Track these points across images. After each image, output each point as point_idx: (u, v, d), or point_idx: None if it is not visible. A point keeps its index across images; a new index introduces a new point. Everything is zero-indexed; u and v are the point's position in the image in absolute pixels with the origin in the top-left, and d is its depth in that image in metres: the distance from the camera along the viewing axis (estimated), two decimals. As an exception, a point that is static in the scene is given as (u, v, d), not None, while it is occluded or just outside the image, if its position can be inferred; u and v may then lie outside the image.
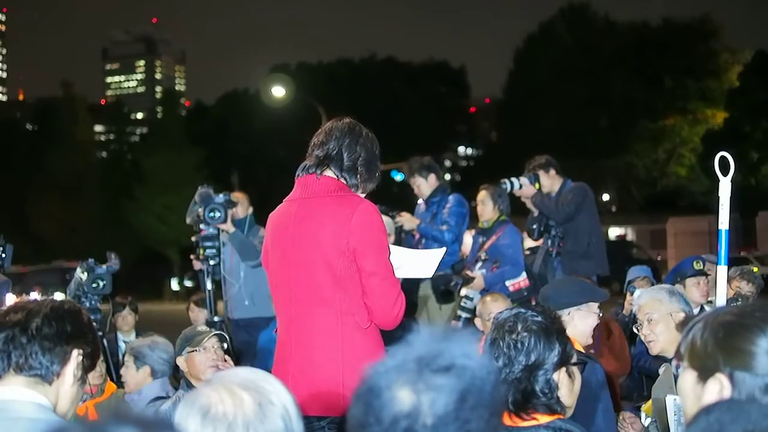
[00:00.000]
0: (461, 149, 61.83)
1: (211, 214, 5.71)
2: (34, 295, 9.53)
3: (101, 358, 3.96)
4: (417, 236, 6.03)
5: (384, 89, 49.10)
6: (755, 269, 5.36)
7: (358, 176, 3.04)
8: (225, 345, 3.95)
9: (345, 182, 3.02)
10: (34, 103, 66.36)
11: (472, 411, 1.28)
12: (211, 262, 5.71)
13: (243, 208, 6.27)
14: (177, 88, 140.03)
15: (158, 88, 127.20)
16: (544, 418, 2.21)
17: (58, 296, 8.60)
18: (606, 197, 42.52)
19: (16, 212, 37.60)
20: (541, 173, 6.12)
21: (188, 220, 5.94)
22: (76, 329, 2.15)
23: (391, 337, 2.29)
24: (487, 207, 5.96)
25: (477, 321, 4.91)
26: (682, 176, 43.01)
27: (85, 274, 5.04)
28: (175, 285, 33.58)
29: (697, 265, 4.79)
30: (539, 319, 2.29)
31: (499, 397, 1.35)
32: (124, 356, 4.47)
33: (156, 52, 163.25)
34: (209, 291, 5.70)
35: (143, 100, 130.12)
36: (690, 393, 1.59)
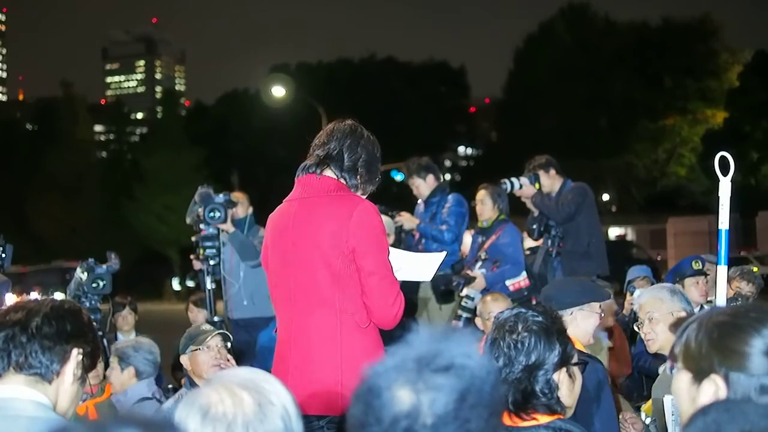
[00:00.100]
0: (461, 149, 61.79)
1: (211, 214, 5.71)
2: (34, 295, 9.54)
3: (101, 358, 3.97)
4: (417, 236, 6.03)
5: (384, 89, 49.08)
6: (755, 269, 5.35)
7: (358, 177, 3.05)
8: (228, 344, 3.96)
9: (345, 182, 3.03)
10: (34, 103, 66.36)
11: (471, 410, 1.28)
12: (211, 262, 5.71)
13: (243, 208, 6.27)
14: (177, 88, 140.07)
15: (158, 88, 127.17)
16: (544, 418, 2.21)
17: (58, 296, 8.60)
18: (606, 197, 42.51)
19: (16, 212, 37.61)
20: (541, 173, 6.12)
21: (188, 220, 5.94)
22: (76, 328, 2.16)
23: (390, 337, 2.29)
24: (486, 206, 5.95)
25: (477, 320, 4.91)
26: (682, 176, 43.00)
27: (85, 274, 5.04)
28: (176, 285, 33.57)
29: (696, 265, 4.79)
30: (540, 319, 2.29)
31: (498, 397, 1.35)
32: (108, 358, 4.48)
33: (156, 52, 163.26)
34: (209, 291, 5.70)
35: (143, 100, 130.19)
36: (685, 394, 1.58)
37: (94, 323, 2.36)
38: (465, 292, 5.62)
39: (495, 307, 4.50)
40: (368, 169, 3.07)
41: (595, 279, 5.59)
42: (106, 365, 4.56)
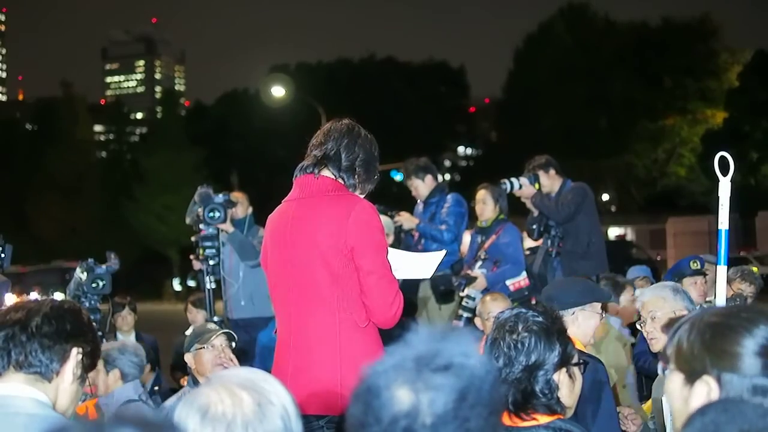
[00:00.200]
0: (461, 149, 61.78)
1: (211, 214, 5.70)
2: (34, 295, 9.54)
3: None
4: (416, 236, 6.03)
5: (383, 89, 49.10)
6: (755, 269, 5.35)
7: (356, 177, 3.05)
8: (233, 344, 3.97)
9: (343, 182, 3.03)
10: (33, 103, 66.41)
11: (471, 410, 1.28)
12: (211, 262, 5.71)
13: (242, 208, 6.27)
14: (177, 88, 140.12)
15: (158, 88, 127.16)
16: (544, 419, 2.21)
17: (58, 296, 8.60)
18: (606, 197, 42.52)
19: (16, 212, 37.60)
20: (541, 173, 6.11)
21: (188, 220, 5.93)
22: (76, 328, 2.18)
23: (390, 337, 2.29)
24: (488, 206, 5.95)
25: (477, 321, 4.91)
26: (681, 176, 43.01)
27: (85, 274, 5.04)
28: (177, 285, 33.55)
29: (694, 265, 4.78)
30: (540, 319, 2.28)
31: (497, 396, 1.35)
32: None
33: (156, 52, 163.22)
34: (208, 291, 5.69)
35: (143, 100, 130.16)
36: (677, 395, 1.58)
37: (94, 323, 2.37)
38: (466, 291, 5.62)
39: (494, 307, 4.50)
40: (366, 169, 3.07)
41: (617, 276, 5.55)
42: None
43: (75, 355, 2.15)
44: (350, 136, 3.06)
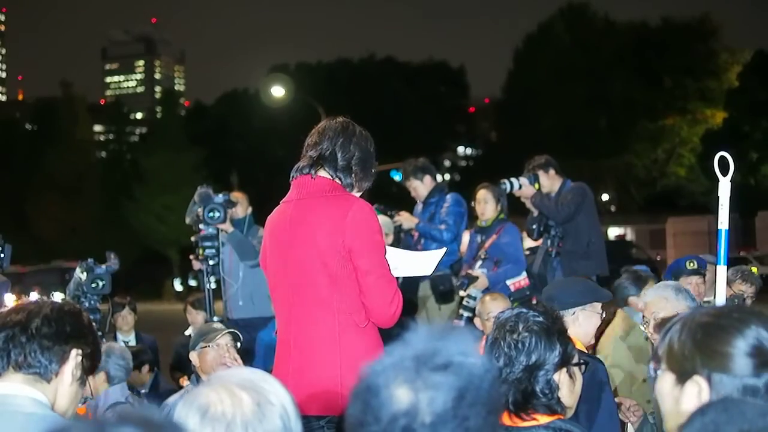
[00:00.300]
0: (461, 149, 61.80)
1: (211, 214, 5.70)
2: (34, 296, 9.54)
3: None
4: (416, 235, 6.02)
5: (383, 89, 49.11)
6: (754, 269, 5.34)
7: (353, 175, 3.04)
8: (238, 344, 3.97)
9: (340, 182, 3.02)
10: (33, 103, 66.37)
11: (470, 408, 1.28)
12: (211, 262, 5.71)
13: (242, 208, 6.27)
14: (176, 88, 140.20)
15: (158, 88, 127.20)
16: (544, 419, 2.21)
17: (58, 296, 8.60)
18: (605, 197, 42.53)
19: (16, 212, 37.58)
20: (541, 173, 6.11)
21: (188, 220, 5.93)
22: (76, 330, 2.19)
23: (390, 336, 2.29)
24: (489, 205, 5.94)
25: (476, 321, 4.90)
26: (681, 176, 43.02)
27: (85, 274, 5.04)
28: (178, 285, 33.54)
29: (691, 265, 4.78)
30: (540, 319, 2.28)
31: (496, 395, 1.35)
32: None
33: (155, 52, 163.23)
34: (208, 291, 5.69)
35: (142, 100, 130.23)
36: (668, 396, 1.57)
37: (94, 324, 2.38)
38: (468, 291, 5.60)
39: (494, 307, 4.49)
40: (363, 167, 3.06)
41: (639, 270, 5.51)
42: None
43: (74, 356, 2.17)
44: (345, 134, 3.05)
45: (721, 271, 3.22)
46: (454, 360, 1.30)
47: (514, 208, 6.24)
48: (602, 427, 3.09)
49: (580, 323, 3.34)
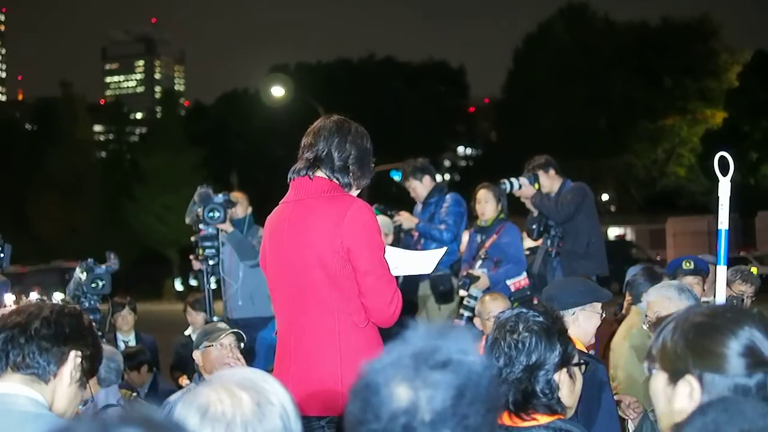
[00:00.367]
0: (460, 149, 61.81)
1: (211, 214, 5.70)
2: (34, 296, 9.54)
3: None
4: (416, 235, 6.02)
5: (383, 89, 49.10)
6: (754, 269, 5.35)
7: (351, 175, 3.02)
8: (241, 344, 3.98)
9: (338, 182, 3.01)
10: (33, 103, 66.30)
11: (469, 406, 1.28)
12: (211, 262, 5.71)
13: (242, 208, 6.27)
14: (176, 88, 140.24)
15: (157, 88, 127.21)
16: (544, 419, 2.21)
17: (58, 296, 8.60)
18: (605, 197, 42.53)
19: (16, 212, 37.58)
20: (541, 173, 6.11)
21: (187, 220, 5.93)
22: (75, 331, 2.20)
23: (390, 336, 2.29)
24: (489, 205, 5.94)
25: (476, 320, 4.90)
26: (681, 176, 43.02)
27: (85, 274, 5.04)
28: (178, 285, 33.52)
29: (687, 265, 4.78)
30: (541, 319, 2.28)
31: (496, 393, 1.35)
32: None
33: (155, 52, 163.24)
34: (208, 291, 5.69)
35: (142, 100, 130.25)
36: (661, 395, 1.57)
37: (94, 324, 2.38)
38: (469, 291, 5.60)
39: (494, 307, 4.49)
40: (360, 165, 3.04)
41: (654, 266, 5.48)
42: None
43: (73, 358, 2.17)
44: (340, 133, 3.02)
45: (721, 271, 3.22)
46: (453, 358, 1.30)
47: (514, 208, 6.24)
48: (602, 427, 3.09)
49: (580, 323, 3.34)
